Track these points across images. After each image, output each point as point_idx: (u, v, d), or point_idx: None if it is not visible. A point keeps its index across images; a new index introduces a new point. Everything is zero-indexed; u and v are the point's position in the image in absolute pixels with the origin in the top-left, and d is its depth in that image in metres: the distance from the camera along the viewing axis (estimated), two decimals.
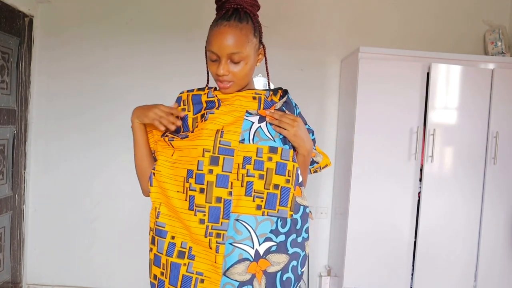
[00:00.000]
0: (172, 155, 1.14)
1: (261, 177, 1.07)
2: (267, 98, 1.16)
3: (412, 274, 2.29)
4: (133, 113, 1.18)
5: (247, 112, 1.12)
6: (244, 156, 1.07)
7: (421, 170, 2.27)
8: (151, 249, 1.16)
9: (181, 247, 1.10)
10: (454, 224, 2.28)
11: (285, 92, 1.19)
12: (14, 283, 2.62)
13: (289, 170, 1.09)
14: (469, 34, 2.77)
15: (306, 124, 1.21)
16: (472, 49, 2.74)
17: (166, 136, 1.17)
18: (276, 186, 1.08)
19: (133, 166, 1.21)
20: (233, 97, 1.14)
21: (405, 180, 2.27)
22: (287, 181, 1.09)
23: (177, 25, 2.69)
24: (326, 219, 2.77)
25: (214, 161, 1.07)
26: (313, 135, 1.26)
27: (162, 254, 1.12)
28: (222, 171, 1.07)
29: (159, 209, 1.14)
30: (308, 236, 1.17)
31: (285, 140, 1.11)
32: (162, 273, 1.12)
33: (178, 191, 1.11)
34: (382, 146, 2.26)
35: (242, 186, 1.07)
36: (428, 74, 2.25)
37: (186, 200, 1.09)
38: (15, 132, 2.54)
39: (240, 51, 1.07)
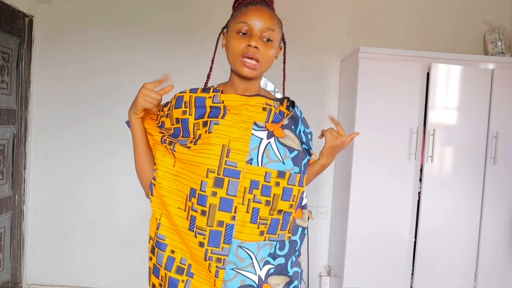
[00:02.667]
0: (173, 166, 1.08)
1: (267, 203, 1.03)
2: (276, 109, 1.09)
3: (412, 274, 2.29)
4: (129, 113, 1.11)
5: (255, 124, 1.04)
6: (251, 180, 1.01)
7: (421, 170, 2.27)
8: (150, 258, 1.11)
9: (180, 262, 1.06)
10: (454, 224, 2.28)
11: (292, 103, 1.14)
12: (14, 283, 2.62)
13: (294, 195, 1.06)
14: (469, 34, 2.77)
15: (308, 127, 1.16)
16: (472, 49, 2.74)
17: (165, 141, 1.09)
18: (279, 212, 1.05)
19: (133, 167, 1.17)
20: (241, 106, 1.06)
21: (405, 180, 2.27)
22: (291, 206, 1.07)
23: (176, 24, 2.69)
24: (326, 219, 2.77)
25: (218, 183, 1.00)
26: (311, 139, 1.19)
27: (161, 266, 1.08)
28: (227, 194, 1.00)
29: (159, 220, 1.09)
30: (300, 253, 1.15)
31: (296, 161, 1.06)
32: (160, 285, 1.08)
33: (179, 208, 1.05)
34: (382, 146, 2.26)
35: (247, 212, 1.02)
36: (428, 74, 2.25)
37: (187, 219, 1.04)
38: (15, 132, 2.54)
39: (274, 30, 1.07)
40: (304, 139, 1.12)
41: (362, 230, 2.28)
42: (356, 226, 2.28)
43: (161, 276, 1.08)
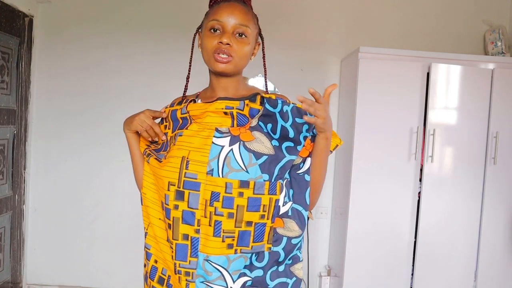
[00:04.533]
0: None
1: (230, 215, 0.97)
2: (242, 110, 1.02)
3: (412, 274, 2.29)
4: (123, 124, 1.15)
5: (216, 130, 1.00)
6: (212, 191, 0.97)
7: (421, 170, 2.27)
8: (144, 265, 1.14)
9: (161, 273, 1.07)
10: (454, 224, 2.28)
11: (262, 100, 1.03)
12: (14, 283, 2.62)
13: (264, 205, 0.98)
14: (469, 34, 2.76)
15: (301, 117, 1.03)
16: (472, 49, 2.74)
17: (145, 153, 1.12)
18: (249, 223, 0.99)
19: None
20: (203, 114, 1.03)
21: (405, 180, 2.27)
22: (262, 216, 0.99)
23: (177, 24, 2.69)
24: (326, 219, 2.77)
25: (179, 196, 0.99)
26: None
27: (148, 274, 1.11)
28: (188, 207, 0.98)
29: (146, 229, 1.12)
30: (295, 261, 1.06)
31: (266, 167, 0.98)
32: None
33: (160, 219, 1.07)
34: (382, 146, 2.26)
35: (210, 225, 0.98)
36: (428, 74, 2.25)
37: (165, 230, 1.06)
38: (15, 132, 2.54)
39: (248, 26, 1.03)
40: (292, 134, 1.01)
41: (362, 230, 2.28)
42: (356, 226, 2.28)
43: (148, 285, 1.12)
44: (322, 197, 2.78)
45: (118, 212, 2.74)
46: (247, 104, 1.02)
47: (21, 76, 2.56)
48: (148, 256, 1.11)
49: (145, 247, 1.13)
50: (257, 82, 2.63)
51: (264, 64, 1.16)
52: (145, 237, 1.11)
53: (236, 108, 1.02)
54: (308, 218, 1.09)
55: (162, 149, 1.11)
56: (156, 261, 1.09)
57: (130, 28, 2.70)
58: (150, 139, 1.14)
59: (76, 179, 2.73)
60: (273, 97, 1.03)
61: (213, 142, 0.99)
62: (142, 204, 1.13)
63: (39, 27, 2.69)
